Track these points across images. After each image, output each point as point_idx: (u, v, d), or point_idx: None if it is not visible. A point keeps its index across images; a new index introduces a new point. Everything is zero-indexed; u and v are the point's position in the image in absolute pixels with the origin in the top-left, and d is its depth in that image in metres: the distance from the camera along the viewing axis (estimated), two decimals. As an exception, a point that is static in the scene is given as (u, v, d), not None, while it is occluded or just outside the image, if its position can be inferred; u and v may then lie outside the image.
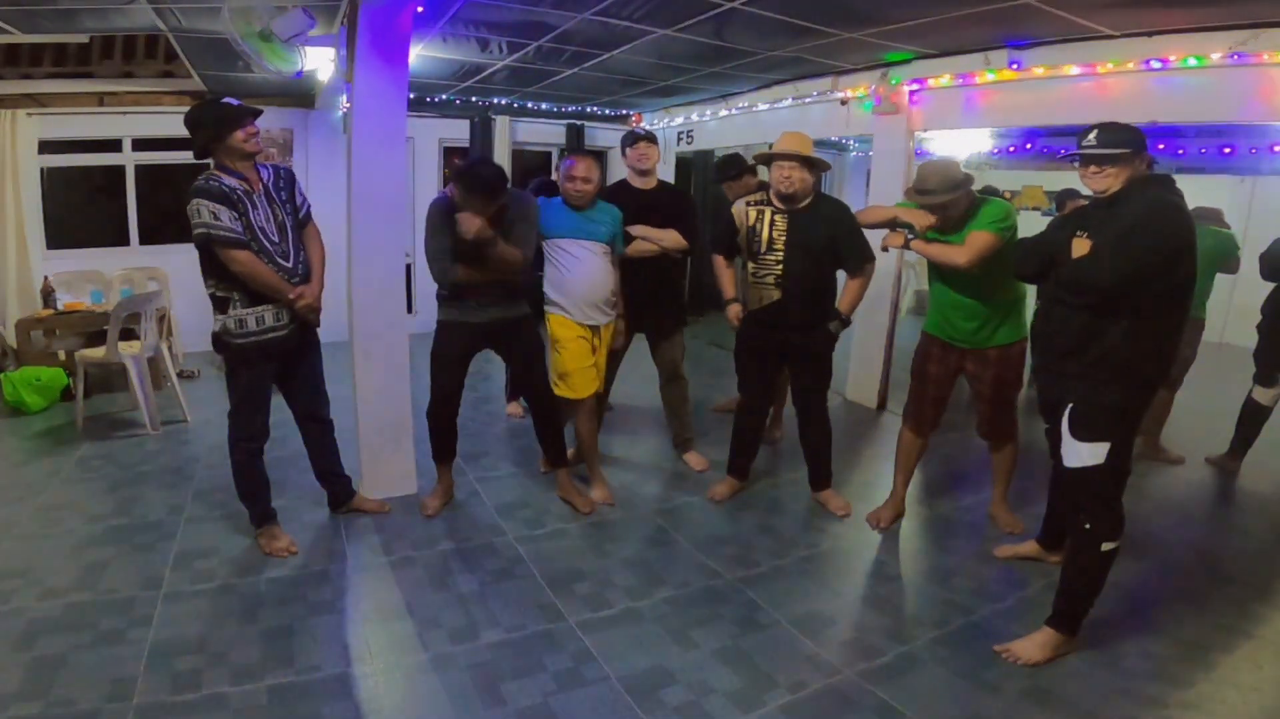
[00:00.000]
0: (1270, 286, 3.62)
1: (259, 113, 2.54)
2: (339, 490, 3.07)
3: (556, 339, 3.10)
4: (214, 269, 2.50)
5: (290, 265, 2.59)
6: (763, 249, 2.97)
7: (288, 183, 2.69)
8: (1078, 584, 2.19)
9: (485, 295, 2.88)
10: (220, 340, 2.59)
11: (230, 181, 2.46)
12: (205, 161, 2.53)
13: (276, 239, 2.56)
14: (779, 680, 2.12)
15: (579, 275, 3.03)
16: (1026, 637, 2.24)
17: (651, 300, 3.48)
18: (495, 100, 6.12)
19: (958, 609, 2.51)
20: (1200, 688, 2.11)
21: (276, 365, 2.70)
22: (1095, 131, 2.11)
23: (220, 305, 2.55)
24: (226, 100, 2.49)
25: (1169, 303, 2.07)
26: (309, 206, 2.77)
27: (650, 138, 3.50)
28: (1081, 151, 2.12)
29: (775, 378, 3.24)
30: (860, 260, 2.96)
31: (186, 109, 2.56)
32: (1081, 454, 2.14)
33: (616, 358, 3.49)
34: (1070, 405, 2.17)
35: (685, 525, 3.08)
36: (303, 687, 2.03)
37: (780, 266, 2.94)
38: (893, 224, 2.85)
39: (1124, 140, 2.07)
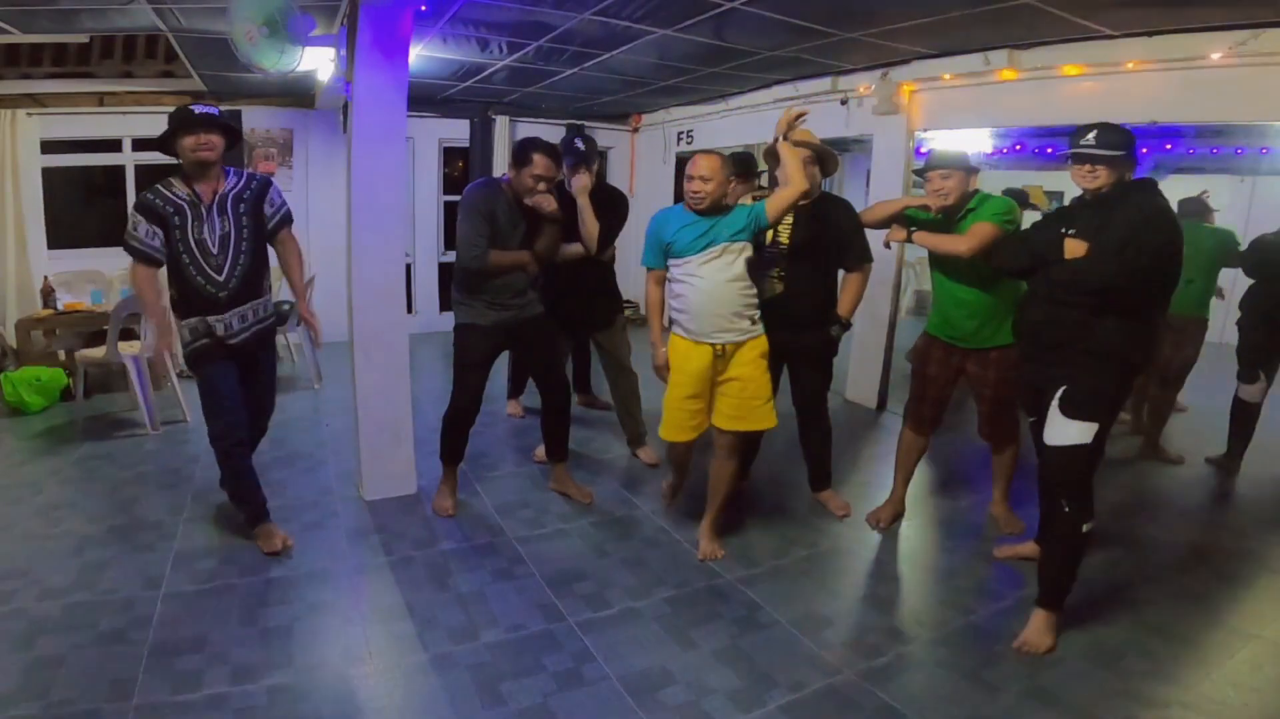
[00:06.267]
0: (1249, 283, 3.64)
1: (211, 120, 2.50)
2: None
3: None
4: (170, 276, 2.60)
5: (221, 279, 2.58)
6: (766, 242, 2.97)
7: (256, 192, 2.67)
8: (1059, 565, 2.26)
9: (501, 294, 2.92)
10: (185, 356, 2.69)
11: (176, 193, 2.52)
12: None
13: (215, 251, 2.57)
14: (779, 680, 2.12)
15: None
16: (1029, 629, 2.27)
17: (575, 295, 3.47)
18: (495, 100, 6.12)
19: (958, 609, 2.51)
20: (1200, 688, 2.11)
21: (238, 366, 2.70)
22: (1095, 132, 2.16)
23: (180, 311, 2.64)
24: (193, 106, 2.51)
25: (1159, 299, 2.20)
26: (282, 215, 2.76)
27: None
28: (1079, 150, 2.17)
29: (777, 378, 3.23)
30: (859, 257, 2.97)
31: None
32: (1070, 433, 2.20)
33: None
34: (1064, 387, 2.22)
35: (685, 525, 3.07)
36: (303, 687, 2.03)
37: (784, 261, 2.94)
38: (898, 218, 2.86)
39: (1120, 143, 2.15)
